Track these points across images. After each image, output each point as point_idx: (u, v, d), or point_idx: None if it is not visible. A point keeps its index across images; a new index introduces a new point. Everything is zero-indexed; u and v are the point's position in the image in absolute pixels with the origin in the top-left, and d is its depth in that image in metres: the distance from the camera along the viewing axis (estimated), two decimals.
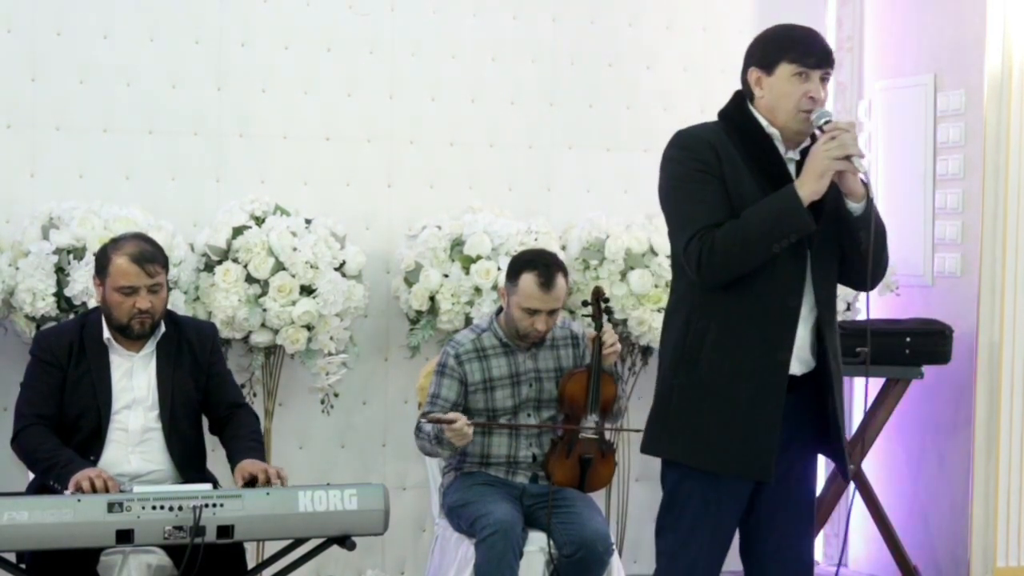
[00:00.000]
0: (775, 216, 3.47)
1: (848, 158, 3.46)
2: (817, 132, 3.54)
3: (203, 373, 4.37)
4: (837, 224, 3.58)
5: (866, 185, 3.52)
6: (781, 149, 3.60)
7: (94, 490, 3.90)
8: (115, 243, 4.31)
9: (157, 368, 4.29)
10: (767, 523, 3.68)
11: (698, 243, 3.49)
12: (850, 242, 3.56)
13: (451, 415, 4.48)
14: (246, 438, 4.30)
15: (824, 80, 3.58)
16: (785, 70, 3.55)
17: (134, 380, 4.28)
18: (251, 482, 4.03)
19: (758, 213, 3.48)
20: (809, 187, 3.46)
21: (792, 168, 3.58)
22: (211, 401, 4.39)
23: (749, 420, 3.54)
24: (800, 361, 3.62)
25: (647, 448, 3.73)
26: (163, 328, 4.31)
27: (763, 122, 3.59)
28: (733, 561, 3.82)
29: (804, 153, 3.59)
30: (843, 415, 3.67)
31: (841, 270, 3.68)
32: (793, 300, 3.56)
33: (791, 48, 3.56)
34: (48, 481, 4.13)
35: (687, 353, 3.58)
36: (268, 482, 4.01)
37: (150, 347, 4.31)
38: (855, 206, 3.53)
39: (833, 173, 3.48)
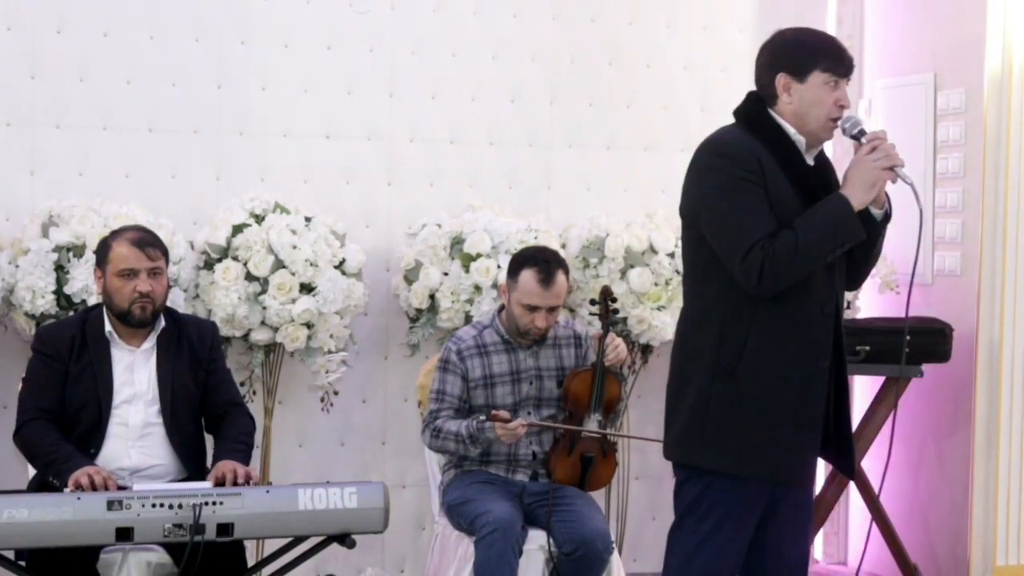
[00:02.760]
0: (831, 226, 3.50)
1: (892, 168, 3.52)
2: (853, 142, 3.58)
3: (203, 370, 4.37)
4: None
5: (914, 190, 3.54)
6: (807, 157, 3.62)
7: (93, 488, 3.90)
8: (114, 233, 4.37)
9: (157, 363, 4.30)
10: (770, 519, 3.68)
11: (760, 254, 3.46)
12: (867, 246, 3.61)
13: (505, 414, 4.50)
14: (234, 439, 4.29)
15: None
16: (818, 78, 3.56)
17: (135, 374, 4.29)
18: (220, 483, 4.02)
19: (814, 223, 3.50)
20: (859, 197, 3.51)
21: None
22: (209, 399, 4.39)
23: (794, 427, 3.57)
24: None
25: (683, 457, 3.68)
26: (163, 322, 4.32)
27: (790, 129, 3.59)
28: None
29: (817, 159, 3.64)
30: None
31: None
32: (828, 307, 3.60)
33: (824, 56, 3.58)
34: (48, 477, 4.13)
35: (725, 362, 3.56)
36: (235, 483, 4.01)
37: (151, 342, 4.31)
38: (877, 212, 3.59)
39: (883, 184, 3.53)
